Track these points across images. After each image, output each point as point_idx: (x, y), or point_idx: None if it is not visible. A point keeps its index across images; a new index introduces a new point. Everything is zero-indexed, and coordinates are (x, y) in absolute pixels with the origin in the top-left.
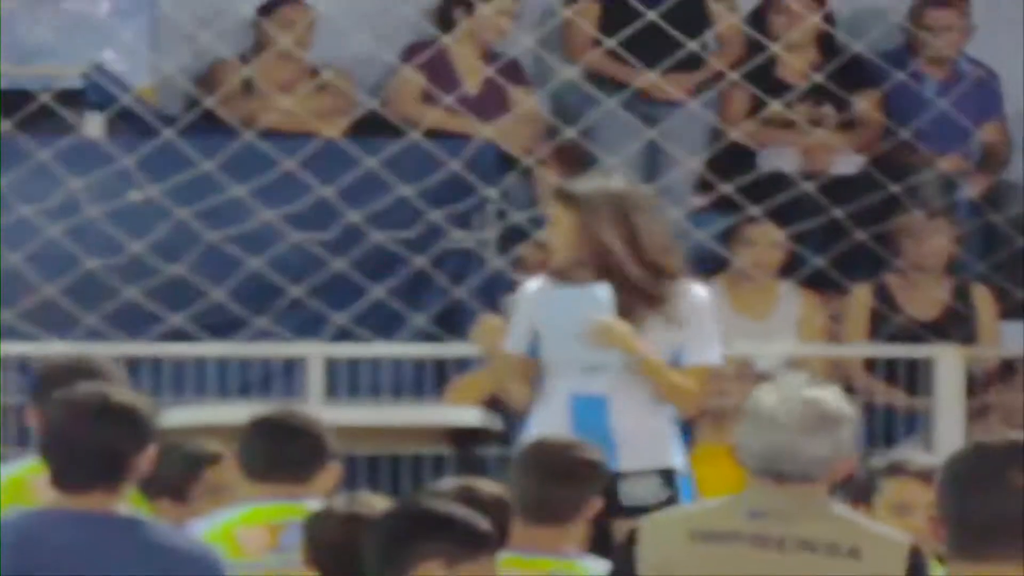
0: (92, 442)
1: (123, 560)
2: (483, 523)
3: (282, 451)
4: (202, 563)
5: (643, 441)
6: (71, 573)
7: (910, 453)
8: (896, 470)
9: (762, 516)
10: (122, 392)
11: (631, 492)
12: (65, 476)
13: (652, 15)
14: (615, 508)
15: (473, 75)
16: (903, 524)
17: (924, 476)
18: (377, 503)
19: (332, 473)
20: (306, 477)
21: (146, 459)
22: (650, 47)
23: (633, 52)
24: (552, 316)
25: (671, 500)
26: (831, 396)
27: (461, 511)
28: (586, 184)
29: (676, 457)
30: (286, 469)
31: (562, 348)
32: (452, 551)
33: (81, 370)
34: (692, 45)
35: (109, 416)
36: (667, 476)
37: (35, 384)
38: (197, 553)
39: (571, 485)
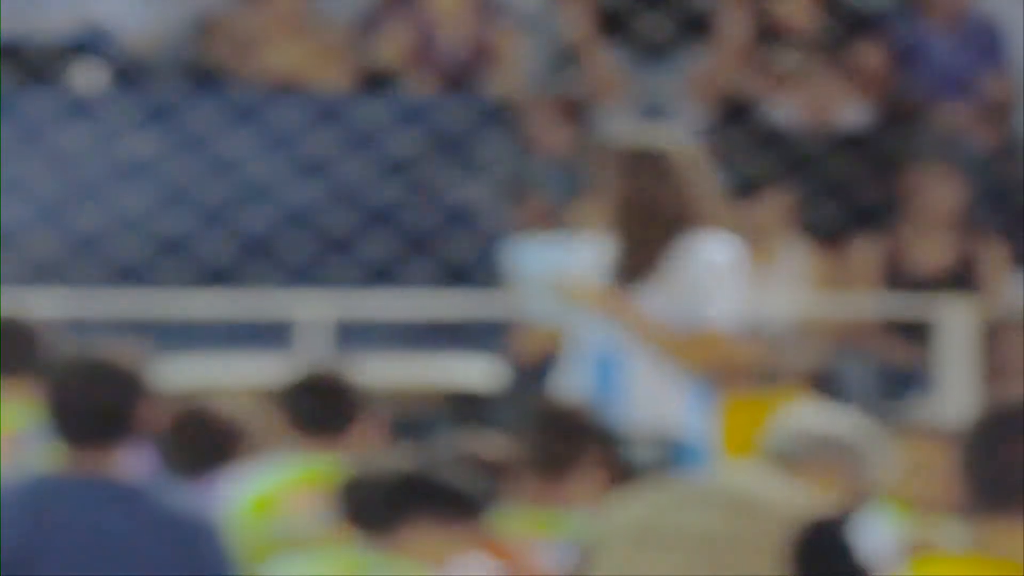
0: (95, 403)
1: (125, 526)
2: (475, 486)
3: (320, 408)
4: (203, 531)
5: (650, 406)
6: (74, 540)
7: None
8: (904, 431)
9: None
10: (122, 350)
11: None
12: (68, 438)
13: None
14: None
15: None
16: (910, 483)
17: (929, 435)
18: (406, 460)
19: (368, 429)
20: (342, 434)
21: (147, 413)
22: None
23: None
24: (529, 265)
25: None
26: None
27: (453, 474)
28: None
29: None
30: (324, 426)
31: (534, 299)
32: (444, 514)
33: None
34: None
35: (104, 376)
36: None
37: None
38: (198, 521)
39: (574, 438)
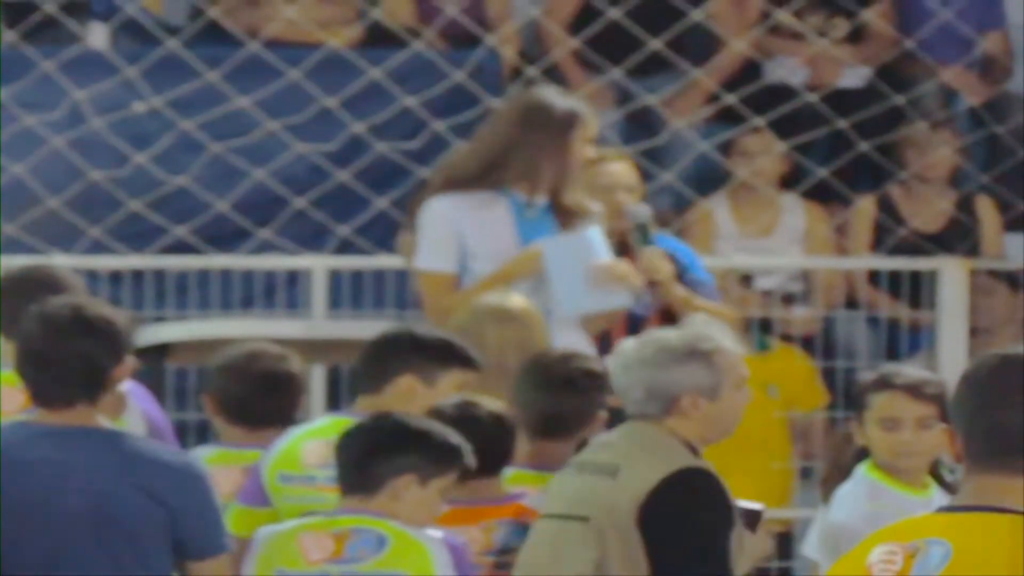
0: (69, 356)
1: (103, 472)
2: (455, 437)
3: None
4: (184, 474)
5: None
6: (51, 487)
7: (898, 367)
8: (884, 384)
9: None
10: (97, 304)
11: None
12: (43, 390)
13: None
14: None
15: None
16: (891, 438)
17: (912, 390)
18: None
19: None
20: (379, 390)
21: (124, 371)
22: None
23: None
24: (559, 269)
25: None
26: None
27: (434, 426)
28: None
29: None
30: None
31: (575, 299)
32: (425, 466)
33: (39, 280)
34: None
35: (85, 328)
36: None
37: None
38: (179, 464)
39: (574, 396)
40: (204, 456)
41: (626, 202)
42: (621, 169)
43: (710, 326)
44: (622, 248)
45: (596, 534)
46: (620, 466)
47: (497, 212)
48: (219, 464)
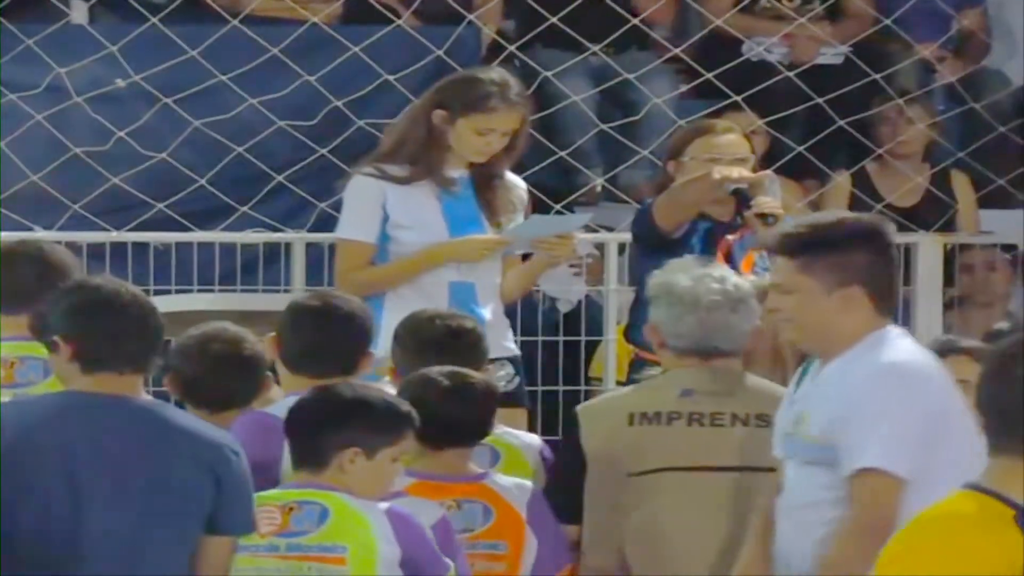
0: (123, 331)
1: (143, 444)
2: (403, 405)
3: (327, 341)
4: (222, 449)
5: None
6: (93, 457)
7: (954, 336)
8: (949, 349)
9: (691, 394)
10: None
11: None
12: (92, 361)
13: None
14: None
15: None
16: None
17: (974, 352)
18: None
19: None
20: (352, 367)
21: (161, 349)
22: None
23: None
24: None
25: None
26: (729, 273)
27: (379, 396)
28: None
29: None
30: (331, 359)
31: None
32: (370, 437)
33: (30, 255)
34: None
35: (136, 306)
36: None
37: None
38: (217, 438)
39: (452, 358)
40: None
41: (730, 173)
42: (731, 140)
43: None
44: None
45: None
46: None
47: (420, 186)
48: None
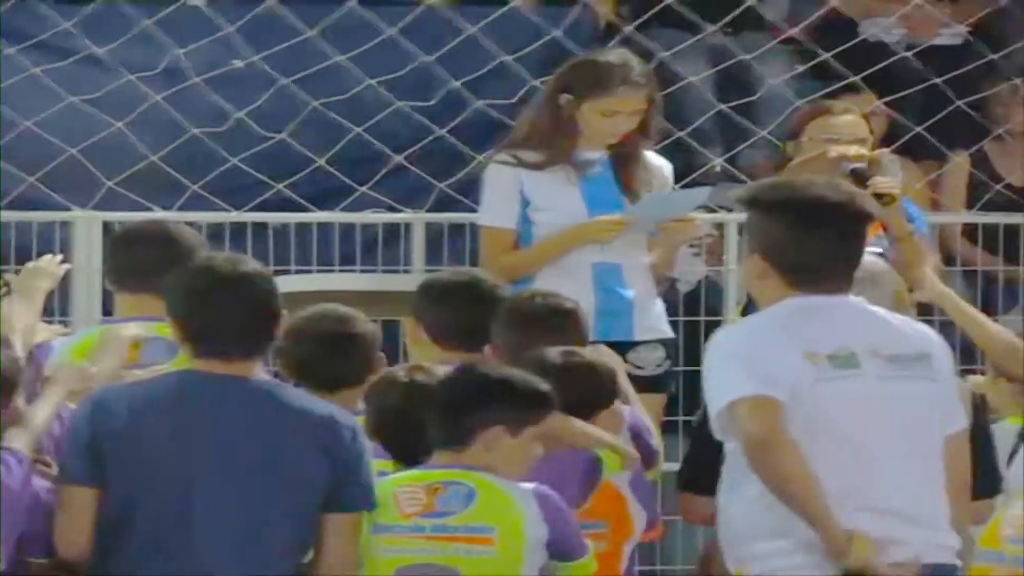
0: (239, 312)
1: (257, 424)
2: (543, 385)
3: (463, 317)
4: (335, 426)
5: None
6: (207, 437)
7: None
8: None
9: None
10: (248, 264)
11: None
12: (207, 343)
13: None
14: None
15: None
16: None
17: None
18: (438, 371)
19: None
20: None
21: (278, 328)
22: None
23: None
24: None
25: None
26: None
27: (520, 375)
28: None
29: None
30: (468, 335)
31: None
32: (514, 416)
33: (155, 235)
34: None
35: (253, 287)
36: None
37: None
38: (330, 416)
39: (552, 336)
40: None
41: (850, 153)
42: (849, 121)
43: None
44: None
45: None
46: None
47: (556, 170)
48: None
